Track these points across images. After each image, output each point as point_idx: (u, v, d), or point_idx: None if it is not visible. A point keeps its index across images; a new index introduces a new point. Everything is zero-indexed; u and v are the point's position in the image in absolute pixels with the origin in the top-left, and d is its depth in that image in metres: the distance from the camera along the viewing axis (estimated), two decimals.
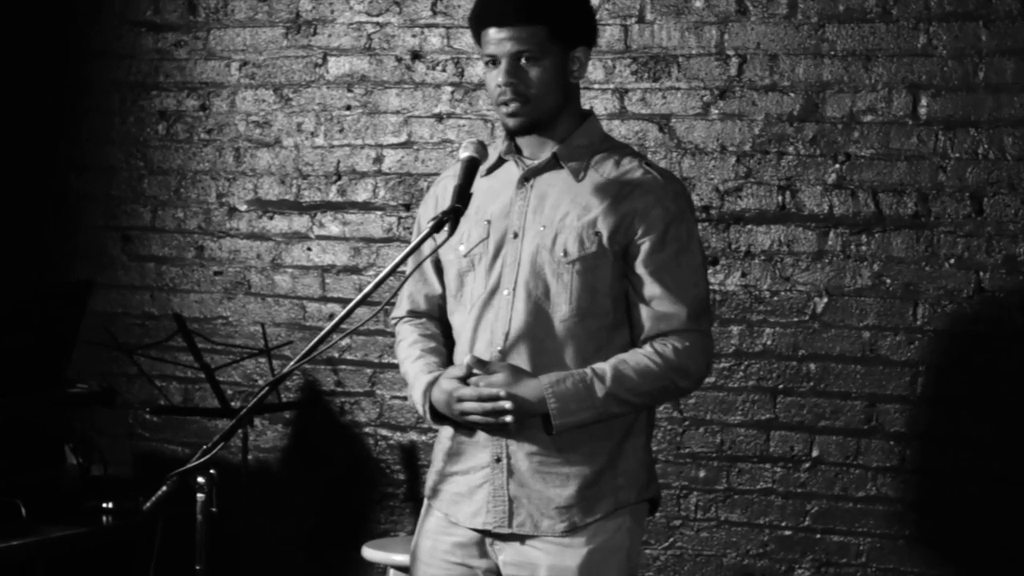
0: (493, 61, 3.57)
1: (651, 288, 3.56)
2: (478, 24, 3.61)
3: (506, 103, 3.56)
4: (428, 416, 3.65)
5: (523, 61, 3.54)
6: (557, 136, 3.63)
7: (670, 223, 3.57)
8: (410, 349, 3.77)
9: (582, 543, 3.58)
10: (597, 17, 5.12)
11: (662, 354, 3.54)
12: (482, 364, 3.53)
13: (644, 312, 3.58)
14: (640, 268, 3.57)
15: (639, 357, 3.54)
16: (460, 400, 3.53)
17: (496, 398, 3.49)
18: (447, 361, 3.72)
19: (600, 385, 3.50)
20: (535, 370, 3.54)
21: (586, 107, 3.76)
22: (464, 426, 3.62)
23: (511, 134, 3.66)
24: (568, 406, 3.49)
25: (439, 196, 3.75)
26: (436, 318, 3.82)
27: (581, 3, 3.67)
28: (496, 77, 3.56)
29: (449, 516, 3.68)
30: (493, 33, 3.55)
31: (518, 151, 3.68)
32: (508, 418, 3.50)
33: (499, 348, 3.58)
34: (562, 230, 3.57)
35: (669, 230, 3.56)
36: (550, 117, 3.60)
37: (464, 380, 3.54)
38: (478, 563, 3.66)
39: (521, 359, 3.57)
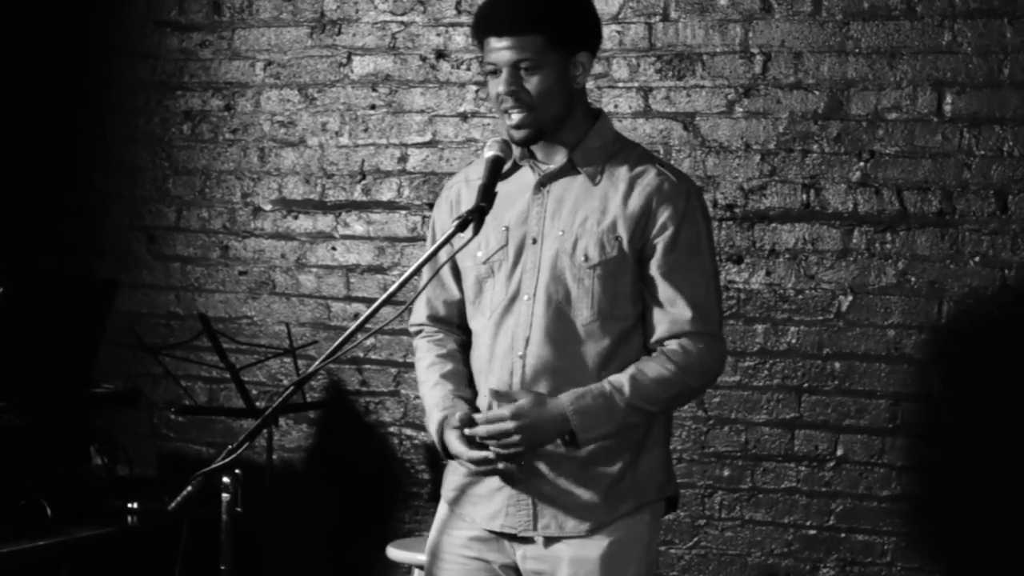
0: (494, 71, 3.56)
1: (663, 290, 3.57)
2: (479, 33, 3.59)
3: (508, 112, 3.56)
4: (442, 452, 3.66)
5: (522, 70, 3.53)
6: (568, 140, 3.62)
7: (681, 225, 3.57)
8: (428, 373, 3.77)
9: (603, 535, 3.59)
10: (621, 15, 5.17)
11: (674, 360, 3.55)
12: (503, 396, 3.54)
13: (656, 314, 3.59)
14: (653, 270, 3.58)
15: (654, 365, 3.55)
16: (470, 461, 3.55)
17: (506, 433, 3.48)
18: (465, 380, 3.73)
19: (620, 396, 3.51)
20: (555, 372, 3.57)
21: (596, 106, 3.74)
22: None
23: (518, 145, 3.64)
24: (590, 420, 3.50)
25: (453, 201, 3.76)
26: (455, 323, 3.82)
27: (581, 9, 3.64)
28: (497, 86, 3.55)
29: (465, 516, 3.69)
30: (493, 42, 3.54)
31: (532, 155, 3.68)
32: (519, 448, 3.49)
33: (519, 353, 3.59)
34: (582, 235, 3.58)
35: (680, 232, 3.57)
36: (555, 124, 3.59)
37: (464, 429, 3.55)
38: (495, 557, 3.67)
39: (541, 362, 3.58)
